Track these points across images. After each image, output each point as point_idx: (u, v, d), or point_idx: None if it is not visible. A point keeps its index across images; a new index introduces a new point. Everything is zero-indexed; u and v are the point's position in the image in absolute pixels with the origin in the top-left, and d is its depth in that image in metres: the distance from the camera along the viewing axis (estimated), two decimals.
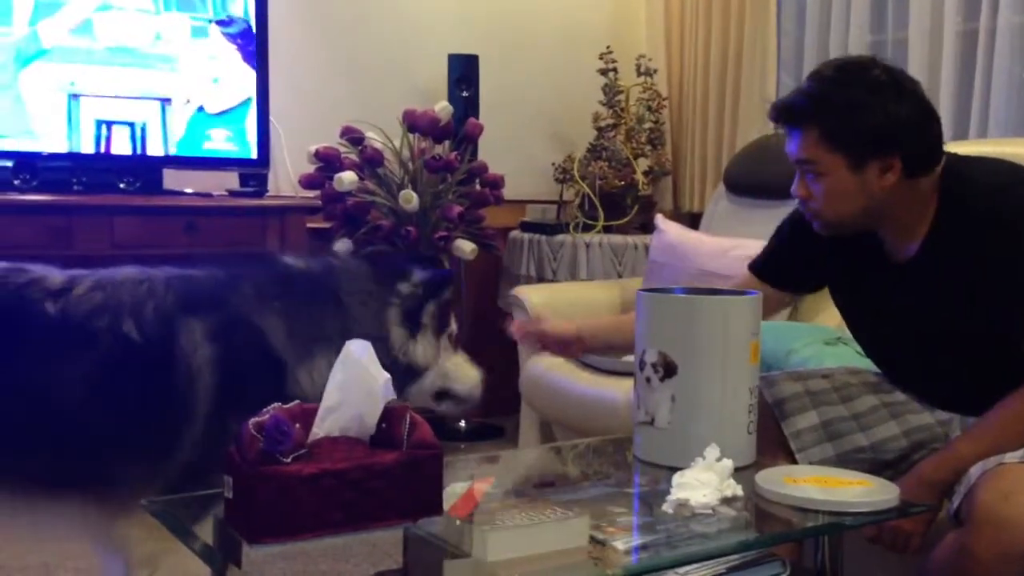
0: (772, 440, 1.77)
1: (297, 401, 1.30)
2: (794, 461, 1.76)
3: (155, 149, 3.18)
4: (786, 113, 1.67)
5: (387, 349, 1.66)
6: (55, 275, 1.59)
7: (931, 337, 1.70)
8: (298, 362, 1.62)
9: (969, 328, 1.64)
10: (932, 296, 1.67)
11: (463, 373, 1.81)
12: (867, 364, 2.01)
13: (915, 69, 3.23)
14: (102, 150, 3.10)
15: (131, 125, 3.14)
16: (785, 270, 1.92)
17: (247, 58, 3.28)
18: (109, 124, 3.11)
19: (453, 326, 1.81)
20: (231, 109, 3.28)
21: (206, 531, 1.33)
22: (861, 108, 1.59)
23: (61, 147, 3.05)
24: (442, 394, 1.80)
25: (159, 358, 1.55)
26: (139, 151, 3.15)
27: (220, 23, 3.24)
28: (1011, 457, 1.53)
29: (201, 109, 3.24)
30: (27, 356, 1.52)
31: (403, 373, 1.69)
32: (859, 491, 1.46)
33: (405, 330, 1.71)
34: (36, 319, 1.54)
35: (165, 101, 3.18)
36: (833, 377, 1.86)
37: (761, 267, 1.95)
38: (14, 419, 1.50)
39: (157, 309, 1.58)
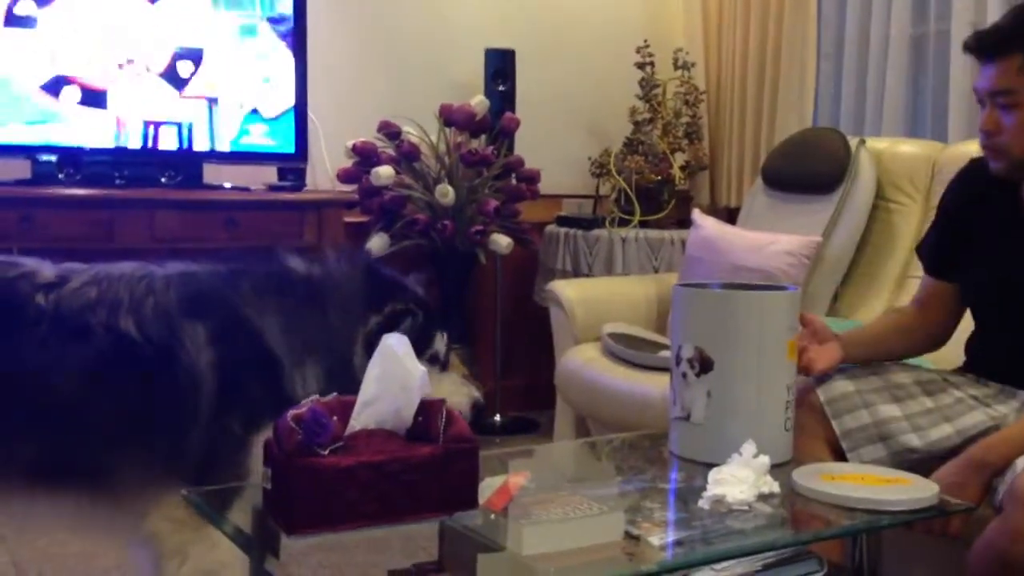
0: (824, 439, 1.75)
1: (323, 396, 1.31)
2: (844, 460, 1.74)
3: (199, 145, 3.22)
4: (990, 40, 1.66)
5: (352, 373, 1.61)
6: (47, 269, 1.59)
7: None
8: (293, 365, 1.61)
9: None
10: None
11: (444, 394, 1.68)
12: (911, 360, 1.99)
13: (958, 61, 3.18)
14: (149, 145, 3.14)
15: (178, 125, 3.18)
16: (949, 263, 1.88)
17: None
18: (157, 124, 3.15)
19: (438, 346, 1.76)
20: (286, 112, 3.31)
21: (239, 521, 1.35)
22: None
23: (106, 142, 3.09)
24: None
25: (160, 356, 1.55)
26: (185, 148, 3.19)
27: (272, 20, 3.26)
28: None
29: (255, 112, 3.27)
30: (18, 348, 1.52)
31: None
32: (897, 489, 1.44)
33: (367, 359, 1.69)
34: (26, 311, 1.53)
35: (212, 101, 3.21)
36: (886, 375, 1.84)
37: (933, 260, 1.92)
38: (6, 411, 1.51)
39: (157, 307, 1.58)
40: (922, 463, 1.77)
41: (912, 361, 1.94)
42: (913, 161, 2.88)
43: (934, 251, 1.94)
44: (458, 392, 1.78)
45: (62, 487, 1.56)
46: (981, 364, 1.85)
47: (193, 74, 3.18)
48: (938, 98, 3.34)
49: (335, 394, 1.33)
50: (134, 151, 3.13)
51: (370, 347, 1.64)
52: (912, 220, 2.80)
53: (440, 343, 1.78)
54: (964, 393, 1.80)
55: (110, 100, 3.09)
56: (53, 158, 2.99)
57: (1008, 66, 1.62)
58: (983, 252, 1.81)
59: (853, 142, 3.01)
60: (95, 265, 1.63)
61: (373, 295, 1.72)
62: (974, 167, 1.86)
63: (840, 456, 1.75)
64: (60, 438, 1.54)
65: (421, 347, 1.70)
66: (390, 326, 1.66)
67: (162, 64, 3.15)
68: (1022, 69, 1.61)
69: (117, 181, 3.06)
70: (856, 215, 2.92)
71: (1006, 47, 1.62)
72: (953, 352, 1.92)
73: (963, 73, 3.18)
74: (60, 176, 2.97)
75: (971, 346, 1.90)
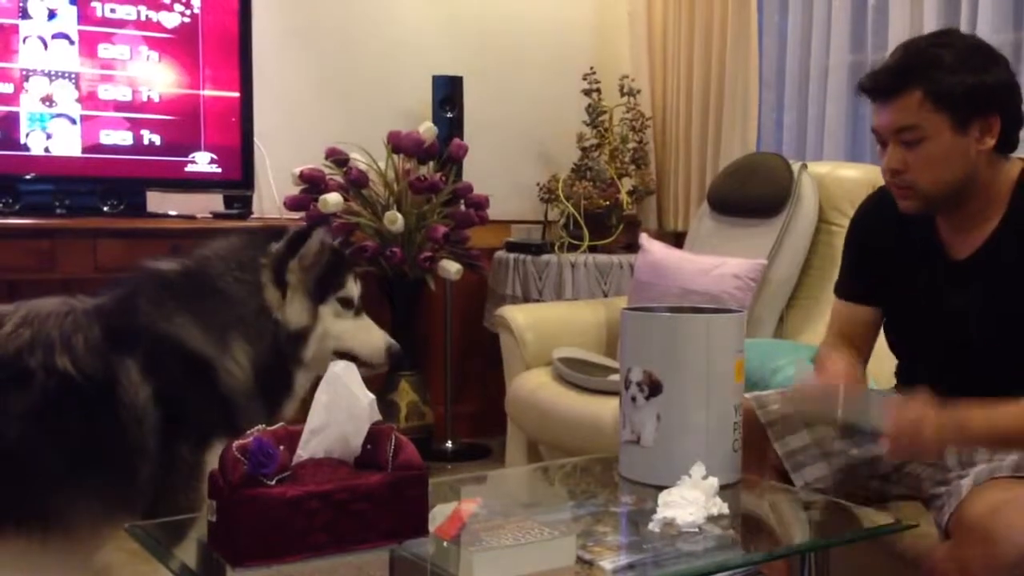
0: (767, 459, 1.77)
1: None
2: (788, 481, 1.76)
3: (139, 171, 3.17)
4: (888, 79, 1.65)
5: (269, 316, 1.65)
6: None
7: (974, 343, 1.68)
8: (220, 354, 1.61)
9: (1013, 336, 1.63)
10: (986, 296, 1.66)
11: (361, 338, 1.77)
12: None
13: None
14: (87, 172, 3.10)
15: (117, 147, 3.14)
16: (862, 287, 1.88)
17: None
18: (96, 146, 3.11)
19: (351, 289, 1.76)
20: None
21: (189, 554, 1.32)
22: (965, 66, 1.60)
23: (45, 169, 3.04)
24: (345, 356, 1.73)
25: (99, 391, 1.54)
26: (123, 173, 3.15)
27: None
28: (1002, 472, 1.54)
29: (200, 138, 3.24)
30: None
31: (288, 339, 1.67)
32: None
33: (278, 291, 1.68)
34: None
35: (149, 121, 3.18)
36: None
37: (845, 287, 1.92)
38: None
39: (87, 342, 1.57)
40: (866, 481, 1.80)
41: None
42: (853, 185, 2.94)
43: (851, 279, 1.92)
44: (373, 338, 1.78)
45: (12, 530, 1.53)
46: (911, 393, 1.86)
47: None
48: None
49: (281, 423, 1.31)
50: (76, 179, 3.08)
51: (277, 275, 1.66)
52: None
53: (353, 287, 1.77)
54: None
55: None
56: None
57: (908, 102, 1.62)
58: (902, 285, 1.80)
59: (795, 166, 3.07)
60: (21, 304, 1.61)
61: (259, 243, 1.71)
62: (883, 196, 1.82)
63: (784, 475, 1.77)
64: (8, 484, 1.51)
65: (331, 287, 1.73)
66: (294, 246, 1.67)
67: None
68: (922, 103, 1.61)
69: (58, 210, 3.00)
70: (799, 238, 2.97)
71: (904, 83, 1.62)
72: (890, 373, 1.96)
73: None
74: None
75: (900, 377, 1.91)
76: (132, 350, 1.57)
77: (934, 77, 1.60)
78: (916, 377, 1.85)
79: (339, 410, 1.28)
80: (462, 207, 3.59)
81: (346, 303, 1.75)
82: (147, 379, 1.55)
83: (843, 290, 1.93)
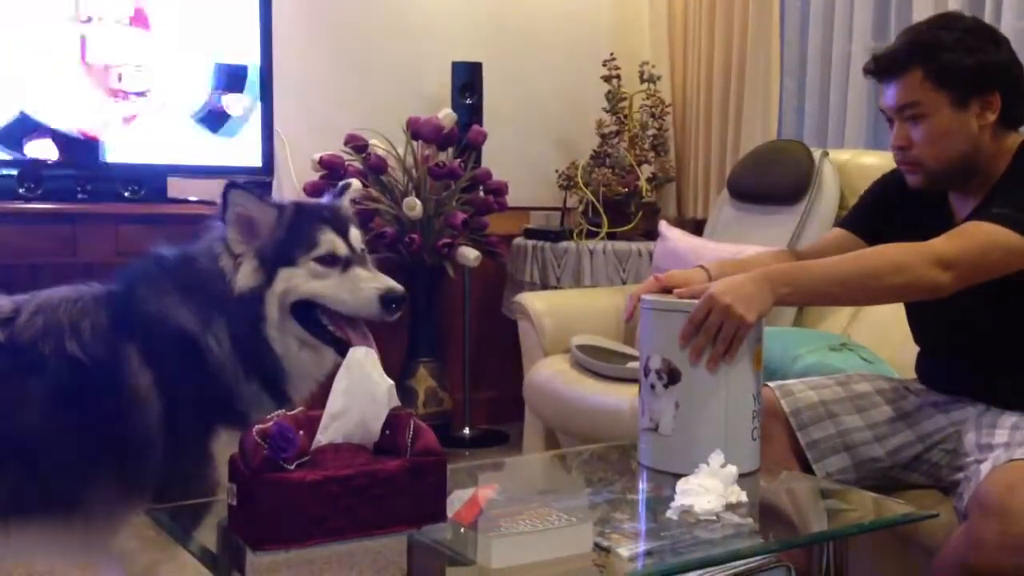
0: (790, 448, 1.77)
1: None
2: (810, 470, 1.76)
3: (159, 158, 3.19)
4: (888, 60, 1.73)
5: (226, 283, 1.63)
6: (4, 303, 1.59)
7: (976, 303, 1.69)
8: (204, 331, 1.61)
9: (1013, 299, 1.65)
10: None
11: (345, 292, 1.64)
12: (875, 369, 2.00)
13: None
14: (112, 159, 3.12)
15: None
16: (871, 223, 1.91)
17: None
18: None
19: (329, 245, 1.64)
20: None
21: (208, 538, 1.33)
22: (963, 47, 1.67)
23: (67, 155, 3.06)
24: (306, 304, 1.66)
25: (106, 376, 1.56)
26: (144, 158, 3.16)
27: None
28: (1021, 453, 1.54)
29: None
30: None
31: (244, 302, 1.62)
32: None
33: (231, 259, 1.65)
34: None
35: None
36: (848, 385, 1.86)
37: (852, 222, 1.96)
38: None
39: (95, 328, 1.58)
40: (886, 471, 1.79)
41: (875, 370, 1.96)
42: (875, 172, 2.85)
43: (860, 214, 1.96)
44: (360, 289, 1.65)
45: (35, 517, 1.55)
46: (931, 383, 1.87)
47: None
48: None
49: (301, 408, 1.31)
50: (97, 164, 3.10)
51: (225, 242, 1.66)
52: None
53: (333, 242, 1.66)
54: (924, 400, 1.83)
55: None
56: (13, 172, 2.95)
57: (910, 80, 1.69)
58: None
59: (816, 154, 3.05)
60: (37, 293, 1.63)
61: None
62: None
63: (805, 464, 1.77)
64: (29, 470, 1.53)
65: (297, 248, 1.64)
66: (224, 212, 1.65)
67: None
68: (923, 81, 1.67)
69: (79, 195, 3.02)
70: (820, 226, 2.94)
71: (906, 63, 1.70)
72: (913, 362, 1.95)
73: None
74: (21, 191, 2.93)
75: (920, 367, 1.92)
76: (132, 336, 1.59)
77: (934, 57, 1.67)
78: (935, 366, 1.85)
79: (358, 395, 1.29)
80: (481, 194, 3.59)
81: (325, 260, 1.64)
82: (147, 365, 1.57)
83: (848, 221, 1.97)
